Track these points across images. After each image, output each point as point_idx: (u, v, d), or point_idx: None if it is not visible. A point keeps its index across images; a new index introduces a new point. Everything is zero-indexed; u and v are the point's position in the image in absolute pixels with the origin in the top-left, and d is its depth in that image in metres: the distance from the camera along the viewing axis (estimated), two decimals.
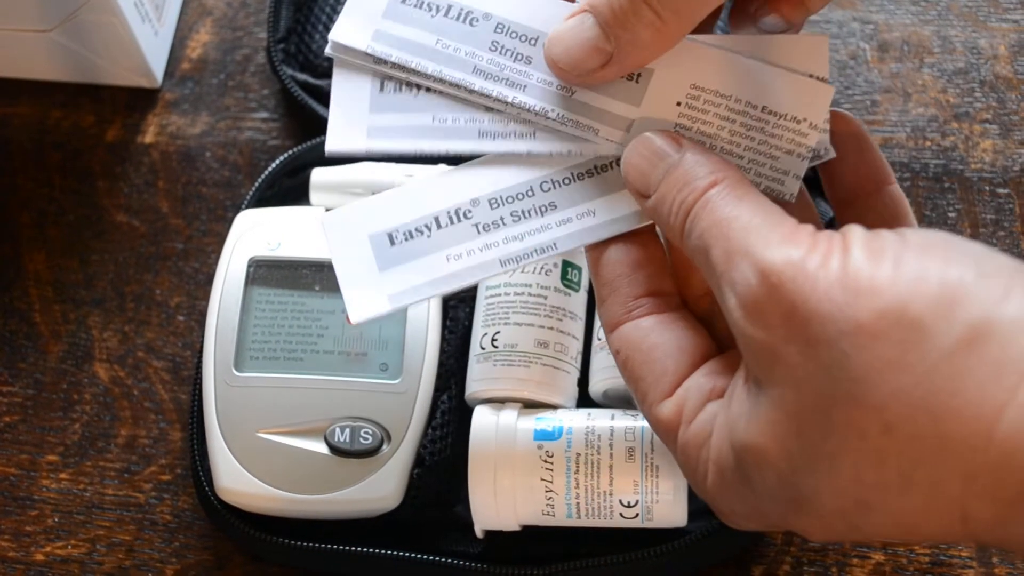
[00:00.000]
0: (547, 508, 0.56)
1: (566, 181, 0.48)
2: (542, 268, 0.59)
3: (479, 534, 0.57)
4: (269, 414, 0.58)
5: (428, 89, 0.49)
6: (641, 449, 0.55)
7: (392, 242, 0.48)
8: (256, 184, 0.65)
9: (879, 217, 0.48)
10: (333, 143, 0.49)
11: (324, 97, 0.69)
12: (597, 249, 0.47)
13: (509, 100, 0.48)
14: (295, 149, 0.66)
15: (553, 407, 0.58)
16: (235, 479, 0.58)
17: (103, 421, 0.65)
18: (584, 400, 0.59)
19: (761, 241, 0.39)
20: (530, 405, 0.58)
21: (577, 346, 0.59)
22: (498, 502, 0.56)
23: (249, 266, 0.61)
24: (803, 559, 0.58)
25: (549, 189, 0.48)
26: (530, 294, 0.59)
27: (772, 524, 0.42)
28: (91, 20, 0.67)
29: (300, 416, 0.58)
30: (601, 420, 0.56)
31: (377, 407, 0.58)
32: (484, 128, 0.48)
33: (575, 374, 0.59)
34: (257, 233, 0.62)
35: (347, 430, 0.58)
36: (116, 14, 0.67)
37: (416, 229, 0.48)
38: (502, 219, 0.48)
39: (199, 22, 0.74)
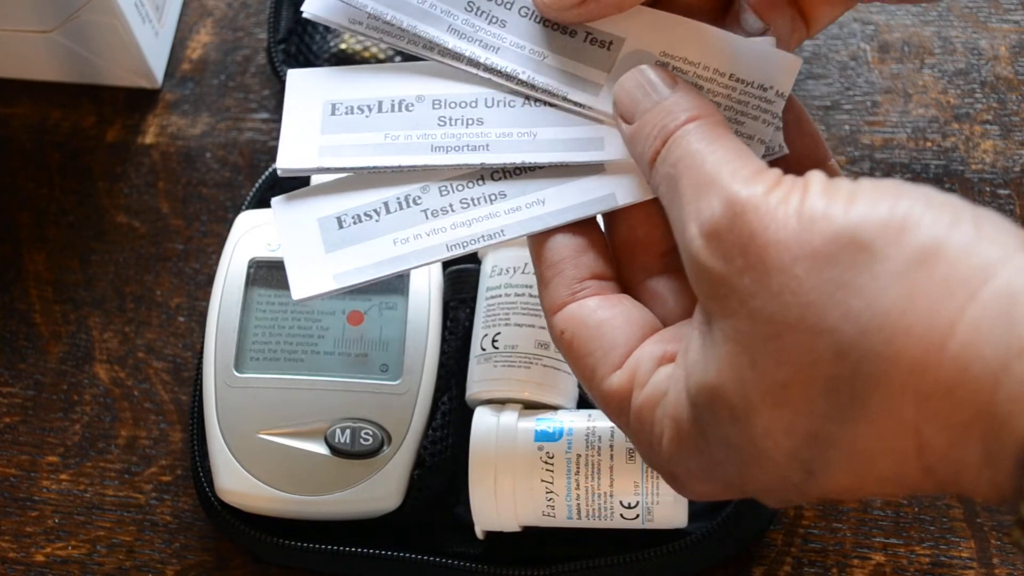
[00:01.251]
0: (547, 509, 0.56)
1: (517, 172, 0.49)
2: None
3: (479, 535, 0.57)
4: (269, 415, 0.58)
5: (379, 106, 0.50)
6: None
7: (340, 225, 0.49)
8: (256, 185, 0.65)
9: None
10: (284, 161, 0.50)
11: None
12: (542, 234, 0.48)
13: (482, 61, 0.49)
14: None
15: (553, 408, 0.58)
16: (235, 480, 0.58)
17: (103, 422, 0.65)
18: (584, 401, 0.59)
19: (729, 175, 0.40)
20: (530, 406, 0.58)
21: None
22: (498, 503, 0.56)
23: (249, 267, 0.61)
24: (803, 559, 0.58)
25: (500, 179, 0.49)
26: (531, 295, 0.59)
27: (727, 485, 0.41)
28: (91, 21, 0.67)
29: (300, 417, 0.58)
30: (602, 421, 0.56)
31: (377, 408, 0.58)
32: (436, 143, 0.49)
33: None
34: (257, 234, 0.62)
35: (347, 431, 0.58)
36: (116, 15, 0.67)
37: (365, 214, 0.49)
38: (451, 206, 0.49)
39: (199, 23, 0.74)
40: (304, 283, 0.48)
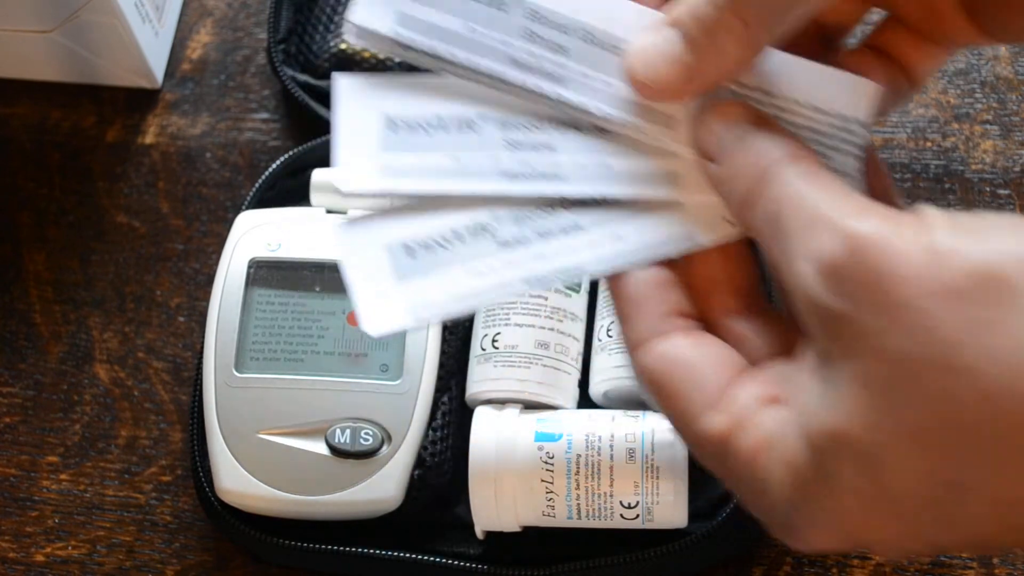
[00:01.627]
0: (548, 509, 0.56)
1: (592, 203, 0.46)
2: None
3: (480, 535, 0.57)
4: (270, 415, 0.58)
5: (439, 122, 0.46)
6: (641, 450, 0.55)
7: (410, 254, 0.45)
8: (256, 185, 0.65)
9: None
10: (346, 183, 0.45)
11: (325, 98, 0.69)
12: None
13: (548, 94, 0.46)
14: (295, 150, 0.66)
15: (554, 408, 0.58)
16: (236, 480, 0.58)
17: (103, 422, 0.65)
18: (584, 401, 0.59)
19: (841, 211, 0.38)
20: (531, 406, 0.58)
21: (578, 347, 0.59)
22: (499, 503, 0.56)
23: (250, 267, 0.61)
24: (803, 560, 0.58)
25: (574, 209, 0.46)
26: (530, 295, 0.59)
27: (848, 534, 0.39)
28: (91, 21, 0.67)
29: (301, 417, 0.58)
30: (602, 421, 0.56)
31: (377, 408, 0.58)
32: (506, 168, 0.45)
33: (576, 375, 0.59)
34: (258, 234, 0.62)
35: (347, 431, 0.58)
36: (116, 15, 0.67)
37: (437, 242, 0.45)
38: (527, 237, 0.45)
39: (199, 23, 0.74)
40: (377, 318, 0.44)
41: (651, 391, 0.42)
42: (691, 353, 0.42)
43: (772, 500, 0.39)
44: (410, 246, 0.45)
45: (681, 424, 0.41)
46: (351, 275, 0.45)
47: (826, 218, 0.38)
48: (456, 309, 0.45)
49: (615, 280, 0.45)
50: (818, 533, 0.39)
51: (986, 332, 0.35)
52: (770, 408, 0.40)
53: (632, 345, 0.43)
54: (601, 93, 0.46)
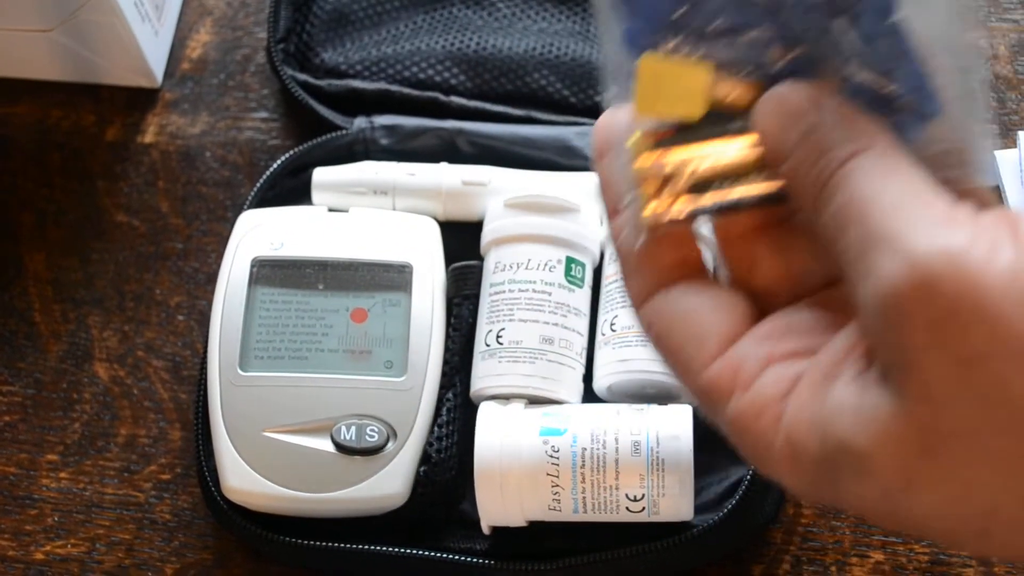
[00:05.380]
0: (553, 503, 0.56)
1: None
2: (546, 264, 0.59)
3: (486, 530, 0.57)
4: (275, 413, 0.58)
5: None
6: (647, 443, 0.55)
7: None
8: (258, 185, 0.65)
9: None
10: None
11: (324, 97, 0.69)
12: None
13: None
14: (296, 149, 0.66)
15: (558, 403, 0.58)
16: (242, 479, 0.58)
17: (103, 420, 0.64)
18: (589, 396, 0.59)
19: (910, 224, 0.33)
20: (535, 401, 0.58)
21: (582, 342, 0.60)
22: (504, 498, 0.56)
23: (252, 266, 0.61)
24: (802, 557, 0.59)
25: None
26: (534, 290, 0.59)
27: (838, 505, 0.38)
28: (91, 20, 0.67)
29: (306, 415, 0.58)
30: (606, 415, 0.56)
31: (382, 404, 0.58)
32: None
33: (580, 370, 0.59)
34: (260, 233, 0.62)
35: (353, 428, 0.58)
36: (116, 14, 0.67)
37: None
38: None
39: (199, 22, 0.74)
40: None
41: (655, 347, 0.41)
42: (690, 301, 0.39)
43: (771, 461, 0.37)
44: None
45: (685, 377, 0.40)
46: None
47: (887, 236, 0.33)
48: None
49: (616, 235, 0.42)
50: (810, 498, 0.37)
51: None
52: (773, 368, 0.37)
53: (636, 300, 0.41)
54: None
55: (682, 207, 0.40)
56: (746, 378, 0.37)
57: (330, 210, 0.64)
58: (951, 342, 0.32)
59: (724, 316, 0.39)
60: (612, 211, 0.41)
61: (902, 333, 0.32)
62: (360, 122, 0.67)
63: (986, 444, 0.32)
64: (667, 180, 0.39)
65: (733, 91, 0.40)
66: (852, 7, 0.38)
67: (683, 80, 0.39)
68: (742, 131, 0.39)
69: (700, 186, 0.40)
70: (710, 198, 0.39)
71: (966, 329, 0.31)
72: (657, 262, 0.40)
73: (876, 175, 0.35)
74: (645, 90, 0.40)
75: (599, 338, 0.60)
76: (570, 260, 0.60)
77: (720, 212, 0.40)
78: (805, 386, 0.36)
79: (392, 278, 0.61)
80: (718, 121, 0.40)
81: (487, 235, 0.62)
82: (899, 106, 0.38)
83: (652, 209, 0.40)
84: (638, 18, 0.40)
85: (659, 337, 0.40)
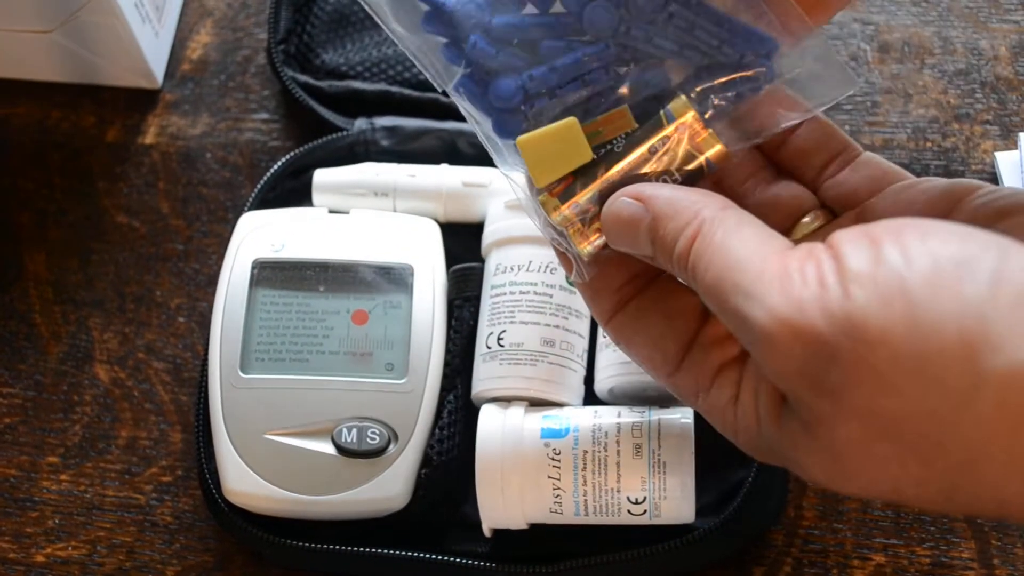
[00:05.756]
0: (555, 506, 0.56)
1: None
2: (547, 267, 0.59)
3: (487, 533, 0.57)
4: (276, 416, 0.58)
5: None
6: (648, 446, 0.55)
7: None
8: (258, 186, 0.65)
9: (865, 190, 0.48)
10: None
11: (324, 98, 0.69)
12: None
13: None
14: (297, 151, 0.66)
15: (559, 405, 0.58)
16: (243, 481, 0.58)
17: (103, 422, 0.64)
18: (590, 398, 0.59)
19: (756, 286, 0.40)
20: (536, 403, 0.58)
21: (583, 344, 0.59)
22: (506, 500, 0.56)
23: (253, 268, 0.61)
24: (804, 560, 0.59)
25: None
26: (535, 292, 0.59)
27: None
28: (92, 21, 0.67)
29: (307, 417, 0.58)
30: (608, 417, 0.56)
31: (383, 407, 0.58)
32: None
33: (581, 372, 0.59)
34: (261, 235, 0.62)
35: (354, 430, 0.58)
36: (117, 15, 0.67)
37: None
38: None
39: (199, 23, 0.74)
40: None
41: (627, 355, 0.49)
42: (646, 319, 0.47)
43: (737, 441, 0.45)
44: None
45: (657, 379, 0.48)
46: None
47: (745, 299, 0.40)
48: None
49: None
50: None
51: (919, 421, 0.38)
52: (723, 375, 0.45)
53: (601, 321, 0.48)
54: None
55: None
56: (705, 383, 0.45)
57: (331, 211, 0.64)
58: (819, 379, 0.38)
59: (677, 322, 0.46)
60: (559, 254, 0.48)
61: (780, 379, 0.40)
62: (361, 123, 0.67)
63: (871, 451, 0.38)
64: (585, 216, 0.46)
65: (605, 125, 0.46)
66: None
67: (560, 139, 0.46)
68: (629, 149, 0.45)
69: None
70: None
71: (827, 365, 0.38)
72: (609, 285, 0.47)
73: (717, 247, 0.42)
74: (535, 165, 0.46)
75: (600, 340, 0.60)
76: None
77: None
78: (746, 393, 0.44)
79: (393, 280, 0.61)
80: (606, 151, 0.46)
81: (488, 237, 0.62)
82: (747, 63, 0.46)
83: (584, 245, 0.46)
84: (497, 111, 0.46)
85: (628, 349, 0.48)
